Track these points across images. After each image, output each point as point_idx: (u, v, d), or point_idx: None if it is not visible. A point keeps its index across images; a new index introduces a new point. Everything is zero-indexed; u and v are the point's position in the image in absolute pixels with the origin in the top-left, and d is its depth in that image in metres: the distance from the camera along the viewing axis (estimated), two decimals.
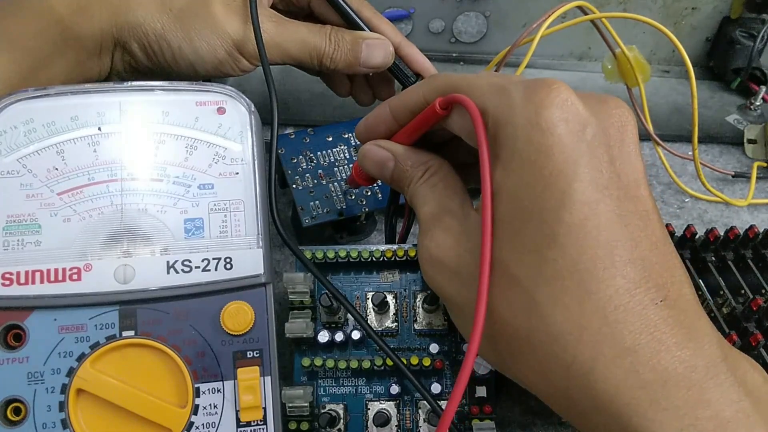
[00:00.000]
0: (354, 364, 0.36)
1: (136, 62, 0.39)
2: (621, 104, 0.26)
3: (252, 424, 0.30)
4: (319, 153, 0.45)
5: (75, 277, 0.30)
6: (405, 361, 0.35)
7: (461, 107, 0.27)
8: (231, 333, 0.31)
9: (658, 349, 0.22)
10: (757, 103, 0.59)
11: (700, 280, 0.41)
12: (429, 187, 0.30)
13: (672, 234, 0.42)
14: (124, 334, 0.30)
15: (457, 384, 0.23)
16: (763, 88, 0.59)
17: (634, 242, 0.23)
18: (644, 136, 0.55)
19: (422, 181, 0.30)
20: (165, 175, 0.32)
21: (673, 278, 0.23)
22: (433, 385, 0.35)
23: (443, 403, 0.35)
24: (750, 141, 0.57)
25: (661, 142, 0.51)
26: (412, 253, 0.37)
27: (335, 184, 0.44)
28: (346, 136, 0.46)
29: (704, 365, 0.22)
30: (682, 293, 0.23)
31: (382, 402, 0.36)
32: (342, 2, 0.42)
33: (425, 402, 0.36)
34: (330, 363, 0.36)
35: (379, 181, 0.44)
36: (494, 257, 0.24)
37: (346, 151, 0.45)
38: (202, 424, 0.30)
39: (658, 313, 0.22)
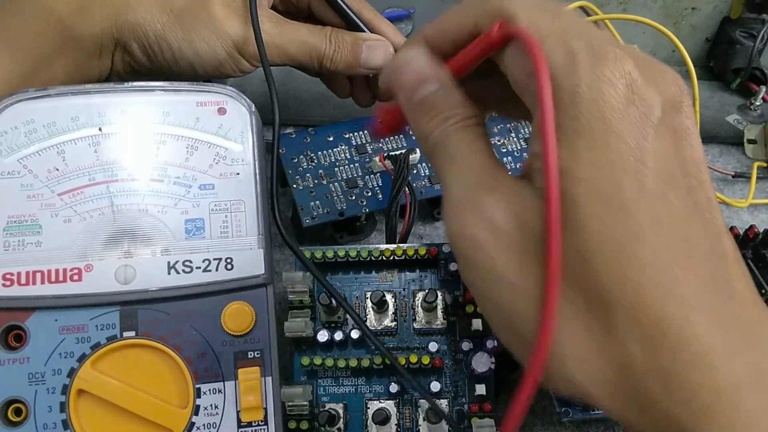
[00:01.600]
0: (353, 363, 0.36)
1: (136, 62, 0.39)
2: (678, 78, 0.24)
3: (253, 424, 0.30)
4: (319, 153, 0.45)
5: (76, 277, 0.30)
6: (404, 360, 0.35)
7: (519, 47, 0.22)
8: (232, 333, 0.31)
9: (730, 352, 0.21)
10: (757, 103, 0.59)
11: None
12: (474, 136, 0.24)
13: None
14: (125, 334, 0.30)
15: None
16: (763, 88, 0.59)
17: (700, 237, 0.22)
18: None
19: (464, 125, 0.24)
20: (166, 176, 0.32)
21: (736, 269, 0.22)
22: (432, 384, 0.35)
23: (440, 402, 0.36)
24: (750, 141, 0.57)
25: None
26: (410, 253, 0.37)
27: (336, 184, 0.44)
28: (347, 135, 0.46)
29: None
30: (744, 286, 0.22)
31: (382, 401, 0.36)
32: (342, 3, 0.42)
33: (425, 401, 0.36)
34: (329, 362, 0.36)
35: (380, 181, 0.44)
36: (565, 254, 0.21)
37: (346, 151, 0.45)
38: (203, 425, 0.30)
39: (728, 311, 0.21)
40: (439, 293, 0.37)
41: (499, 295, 0.22)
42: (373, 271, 0.38)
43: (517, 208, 0.22)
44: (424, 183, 0.45)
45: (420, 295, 0.37)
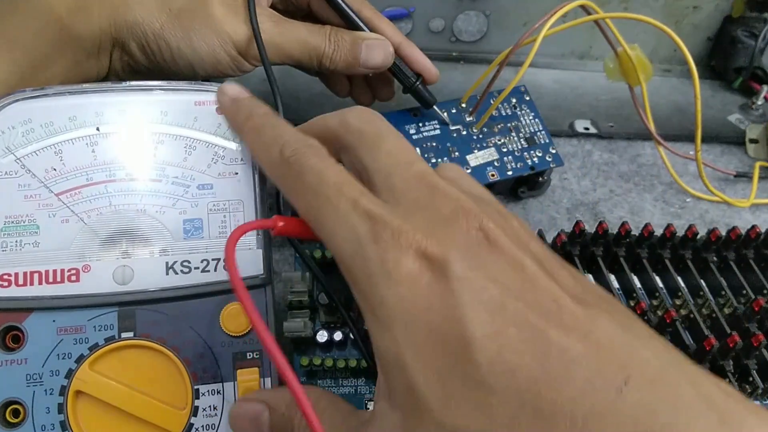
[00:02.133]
0: (353, 364, 0.36)
1: (134, 62, 0.39)
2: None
3: None
4: None
5: (73, 278, 0.30)
6: None
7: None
8: (230, 334, 0.31)
9: None
10: (759, 103, 0.59)
11: (702, 281, 0.41)
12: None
13: (673, 234, 0.42)
14: (123, 335, 0.30)
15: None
16: (765, 87, 0.58)
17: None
18: (646, 136, 0.55)
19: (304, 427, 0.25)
20: (164, 176, 0.32)
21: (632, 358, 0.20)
22: None
23: None
24: (752, 141, 0.57)
25: (662, 141, 0.51)
26: None
27: None
28: None
29: None
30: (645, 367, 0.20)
31: None
32: (341, 2, 0.41)
33: None
34: (329, 362, 0.36)
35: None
36: None
37: None
38: (202, 426, 0.30)
39: (627, 399, 0.19)
40: None
41: None
42: None
43: None
44: None
45: None
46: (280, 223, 0.27)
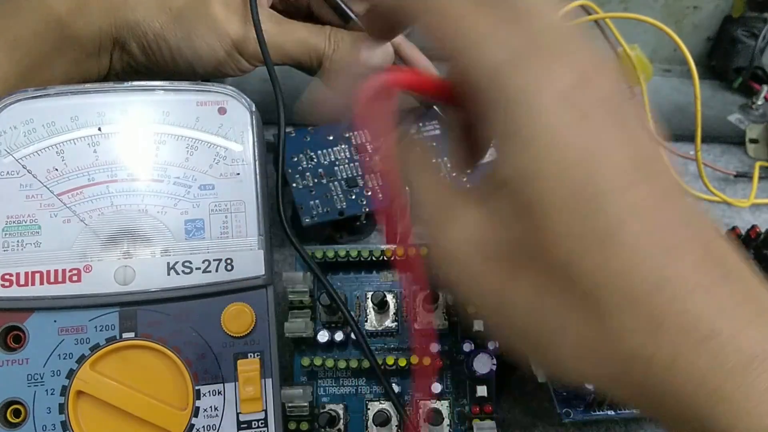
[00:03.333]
0: (354, 364, 0.36)
1: (134, 62, 0.39)
2: (613, 69, 0.23)
3: (253, 425, 0.30)
4: (319, 152, 0.45)
5: (75, 278, 0.30)
6: (405, 361, 0.35)
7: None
8: (231, 335, 0.31)
9: (736, 328, 0.20)
10: (759, 103, 0.59)
11: None
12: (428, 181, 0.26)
13: None
14: (125, 335, 0.30)
15: None
16: (765, 87, 0.58)
17: (682, 220, 0.21)
18: None
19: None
20: (165, 176, 0.32)
21: (723, 248, 0.22)
22: (433, 385, 0.35)
23: (441, 403, 0.35)
24: (752, 141, 0.57)
25: (662, 141, 0.51)
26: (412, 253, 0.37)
27: (336, 183, 0.44)
28: (347, 135, 0.46)
29: None
30: (736, 262, 0.22)
31: (382, 402, 0.36)
32: (341, 3, 0.41)
33: (425, 401, 0.36)
34: (330, 363, 0.36)
35: (380, 181, 0.44)
36: (547, 250, 0.21)
37: (346, 150, 0.45)
38: (203, 427, 0.30)
39: (728, 289, 0.21)
40: (440, 294, 0.37)
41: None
42: (374, 271, 0.38)
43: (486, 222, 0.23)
44: None
45: (421, 296, 0.37)
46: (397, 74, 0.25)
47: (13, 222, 0.30)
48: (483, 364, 0.35)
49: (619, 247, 0.20)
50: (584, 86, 0.22)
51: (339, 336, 0.36)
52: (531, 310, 0.22)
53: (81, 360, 0.30)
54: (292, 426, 0.35)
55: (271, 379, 0.31)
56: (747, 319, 0.21)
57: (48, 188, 0.31)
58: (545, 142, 0.21)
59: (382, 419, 0.35)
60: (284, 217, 0.34)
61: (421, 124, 0.47)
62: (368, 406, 0.36)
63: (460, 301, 0.24)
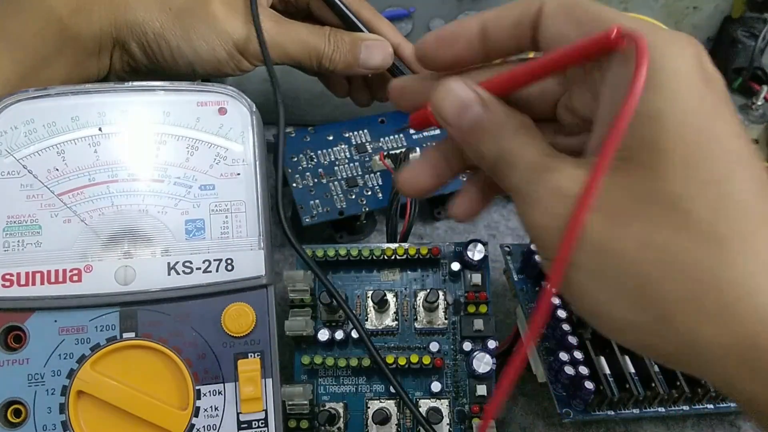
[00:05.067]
0: (354, 363, 0.36)
1: (134, 62, 0.39)
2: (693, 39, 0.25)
3: (253, 425, 0.30)
4: (319, 152, 0.45)
5: (75, 278, 0.30)
6: (404, 360, 0.35)
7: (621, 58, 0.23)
8: (232, 335, 0.31)
9: None
10: (759, 103, 0.59)
11: None
12: (530, 136, 0.25)
13: None
14: (125, 335, 0.30)
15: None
16: (765, 88, 0.58)
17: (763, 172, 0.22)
18: None
19: (517, 131, 0.25)
20: (166, 176, 0.32)
21: None
22: (433, 384, 0.36)
23: (441, 402, 0.36)
24: (752, 141, 0.57)
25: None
26: (412, 252, 0.37)
27: (336, 183, 0.44)
28: (347, 135, 0.46)
29: None
30: None
31: (382, 400, 0.36)
32: (340, 3, 0.41)
33: (425, 401, 0.36)
34: (330, 361, 0.36)
35: (380, 180, 0.44)
36: (659, 190, 0.22)
37: (346, 150, 0.45)
38: (203, 427, 0.30)
39: None
40: (440, 293, 0.37)
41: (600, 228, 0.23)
42: (375, 271, 0.38)
43: (580, 178, 0.22)
44: None
45: (421, 295, 0.37)
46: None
47: (14, 222, 0.30)
48: (483, 364, 0.35)
49: (742, 184, 0.21)
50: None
51: (339, 334, 0.36)
52: (643, 249, 0.22)
53: (81, 360, 0.30)
54: (292, 424, 0.35)
55: (271, 379, 0.31)
56: None
57: (48, 188, 0.31)
58: (675, 87, 0.22)
59: (382, 417, 0.35)
60: (284, 217, 0.34)
61: None
62: (368, 405, 0.36)
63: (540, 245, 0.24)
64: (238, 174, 0.33)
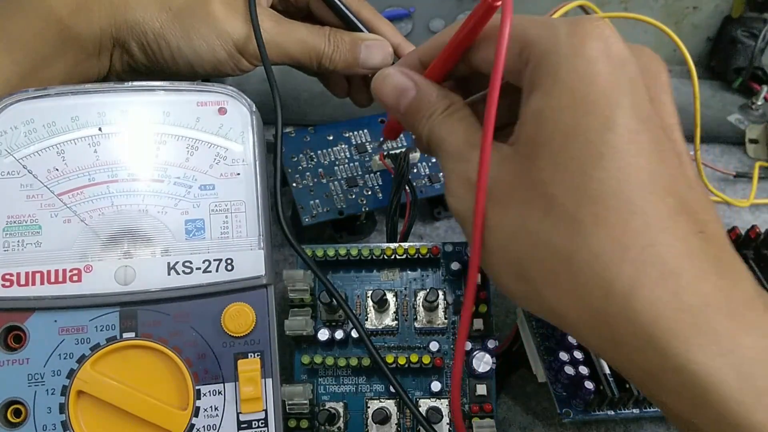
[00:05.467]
0: (354, 362, 0.36)
1: (134, 62, 0.39)
2: (656, 56, 0.26)
3: (253, 425, 0.30)
4: (319, 152, 0.45)
5: (75, 278, 0.30)
6: (404, 360, 0.35)
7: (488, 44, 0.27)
8: (232, 335, 0.31)
9: (699, 275, 0.22)
10: (759, 103, 0.59)
11: None
12: (456, 120, 0.28)
13: None
14: (125, 335, 0.30)
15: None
16: (765, 88, 0.58)
17: (672, 177, 0.23)
18: None
19: (447, 113, 0.28)
20: (166, 176, 0.32)
21: (709, 217, 0.24)
22: (432, 384, 0.36)
23: (441, 402, 0.36)
24: (752, 141, 0.57)
25: None
26: (412, 252, 0.37)
27: (335, 183, 0.44)
28: (347, 134, 0.46)
29: (743, 297, 0.22)
30: (718, 232, 0.24)
31: (382, 400, 0.36)
32: (340, 4, 0.41)
33: (425, 400, 0.36)
34: (330, 360, 0.36)
35: (380, 180, 0.44)
36: (533, 178, 0.24)
37: (346, 150, 0.45)
38: (203, 426, 0.30)
39: (699, 243, 0.22)
40: (440, 292, 0.37)
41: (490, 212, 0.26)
42: (374, 270, 0.38)
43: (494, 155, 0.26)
44: (424, 182, 0.45)
45: (421, 295, 0.37)
46: None
47: (14, 222, 0.30)
48: (483, 363, 0.35)
49: (598, 178, 0.23)
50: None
51: (339, 334, 0.36)
52: (519, 231, 0.25)
53: (81, 360, 0.30)
54: (292, 423, 0.35)
55: (271, 379, 0.31)
56: (712, 270, 0.22)
57: (48, 188, 0.31)
58: (549, 89, 0.24)
59: (382, 417, 0.35)
60: (284, 217, 0.34)
61: None
62: (368, 404, 0.36)
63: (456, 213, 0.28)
64: (238, 174, 0.33)
